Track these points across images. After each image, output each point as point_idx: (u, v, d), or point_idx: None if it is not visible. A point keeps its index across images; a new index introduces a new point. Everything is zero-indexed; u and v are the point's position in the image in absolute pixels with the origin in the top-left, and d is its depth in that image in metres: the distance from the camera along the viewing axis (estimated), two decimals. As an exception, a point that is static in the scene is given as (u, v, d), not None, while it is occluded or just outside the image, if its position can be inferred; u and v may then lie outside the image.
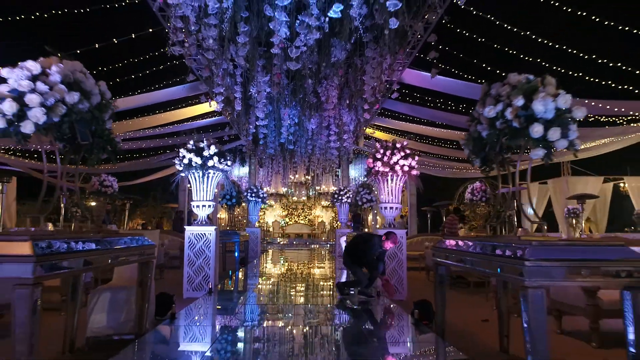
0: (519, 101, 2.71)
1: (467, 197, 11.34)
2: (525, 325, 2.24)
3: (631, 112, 7.75)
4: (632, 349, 2.23)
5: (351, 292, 6.06)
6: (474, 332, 4.45)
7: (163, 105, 9.84)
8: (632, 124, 8.89)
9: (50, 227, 10.19)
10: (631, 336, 2.22)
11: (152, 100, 9.21)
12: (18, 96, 2.43)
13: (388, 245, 5.84)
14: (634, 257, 2.20)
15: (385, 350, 3.71)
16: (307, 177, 21.38)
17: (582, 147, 13.88)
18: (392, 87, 7.40)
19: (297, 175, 21.03)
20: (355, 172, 21.11)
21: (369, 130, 13.36)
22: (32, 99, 2.39)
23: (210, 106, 8.09)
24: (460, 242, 3.24)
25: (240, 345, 3.78)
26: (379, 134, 14.42)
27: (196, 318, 4.70)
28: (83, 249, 2.54)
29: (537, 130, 2.59)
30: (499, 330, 3.71)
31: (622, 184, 16.58)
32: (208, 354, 3.32)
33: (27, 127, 2.43)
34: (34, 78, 2.50)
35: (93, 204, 10.21)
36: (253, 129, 8.94)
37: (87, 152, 3.22)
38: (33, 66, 2.51)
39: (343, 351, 3.69)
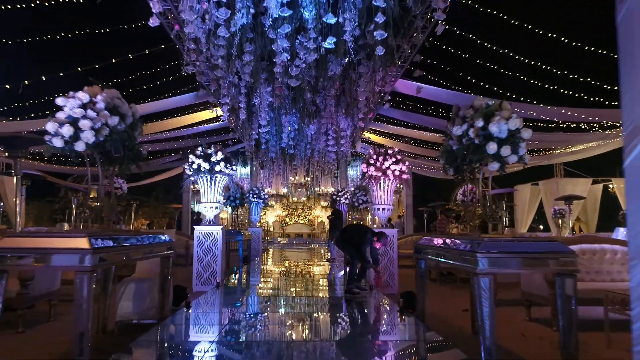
0: (479, 122, 3.30)
1: (459, 198, 11.94)
2: (477, 305, 2.83)
3: (604, 121, 8.34)
4: (561, 322, 2.82)
5: (355, 291, 6.37)
6: (454, 320, 5.03)
7: (171, 112, 10.45)
8: (606, 131, 9.51)
9: (65, 226, 10.77)
10: (560, 310, 2.80)
11: (162, 108, 9.82)
12: (73, 121, 3.01)
13: (378, 245, 6.37)
14: (562, 251, 2.79)
15: (374, 332, 4.31)
16: (306, 178, 21.98)
17: (570, 150, 14.48)
18: (385, 98, 8.00)
19: (297, 177, 21.63)
20: (354, 173, 21.71)
21: (366, 134, 13.96)
22: (84, 123, 2.98)
23: (216, 114, 8.67)
24: (435, 240, 3.82)
25: (244, 330, 4.36)
26: (374, 138, 15.00)
27: (207, 308, 5.29)
28: (124, 244, 3.13)
29: (492, 147, 3.18)
30: (471, 316, 4.30)
31: (611, 185, 17.19)
32: (218, 337, 3.91)
33: (79, 146, 3.02)
34: (83, 106, 3.08)
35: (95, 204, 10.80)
36: (255, 135, 9.55)
37: (118, 163, 3.81)
38: (83, 96, 3.09)
39: (338, 333, 4.27)
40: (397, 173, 7.17)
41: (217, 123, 12.28)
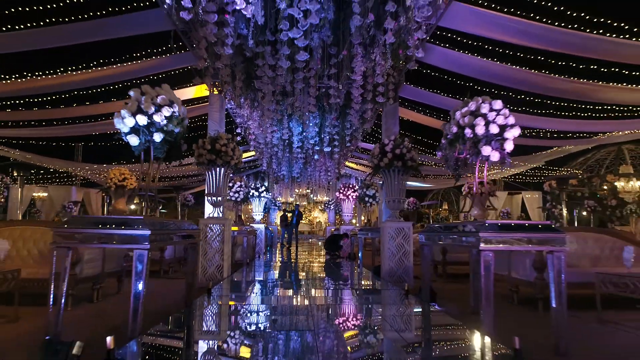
0: (366, 190, 10.10)
1: (405, 207, 18.78)
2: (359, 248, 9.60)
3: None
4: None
5: (332, 254, 13.24)
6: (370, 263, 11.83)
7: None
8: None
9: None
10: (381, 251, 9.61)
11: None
12: (239, 191, 9.83)
13: (346, 240, 13.19)
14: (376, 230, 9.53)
15: (336, 266, 11.13)
16: (307, 190, 28.95)
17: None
18: (347, 157, 14.74)
19: (300, 189, 28.56)
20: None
21: (348, 164, 20.89)
22: (241, 192, 9.78)
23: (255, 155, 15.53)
24: (356, 228, 10.65)
25: (279, 266, 11.14)
26: (354, 166, 21.92)
27: (264, 259, 12.11)
28: (249, 229, 9.93)
29: (368, 198, 9.97)
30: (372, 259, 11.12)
31: (522, 197, 23.94)
32: (269, 267, 10.74)
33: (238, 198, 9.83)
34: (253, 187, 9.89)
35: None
36: (278, 173, 16.49)
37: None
38: (260, 187, 9.90)
39: (326, 274, 11.07)
40: (353, 197, 14.01)
41: (250, 157, 19.13)
